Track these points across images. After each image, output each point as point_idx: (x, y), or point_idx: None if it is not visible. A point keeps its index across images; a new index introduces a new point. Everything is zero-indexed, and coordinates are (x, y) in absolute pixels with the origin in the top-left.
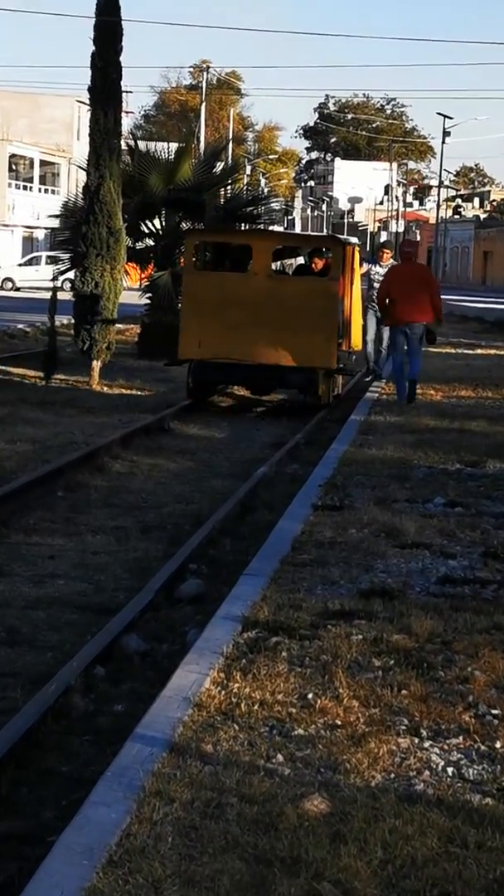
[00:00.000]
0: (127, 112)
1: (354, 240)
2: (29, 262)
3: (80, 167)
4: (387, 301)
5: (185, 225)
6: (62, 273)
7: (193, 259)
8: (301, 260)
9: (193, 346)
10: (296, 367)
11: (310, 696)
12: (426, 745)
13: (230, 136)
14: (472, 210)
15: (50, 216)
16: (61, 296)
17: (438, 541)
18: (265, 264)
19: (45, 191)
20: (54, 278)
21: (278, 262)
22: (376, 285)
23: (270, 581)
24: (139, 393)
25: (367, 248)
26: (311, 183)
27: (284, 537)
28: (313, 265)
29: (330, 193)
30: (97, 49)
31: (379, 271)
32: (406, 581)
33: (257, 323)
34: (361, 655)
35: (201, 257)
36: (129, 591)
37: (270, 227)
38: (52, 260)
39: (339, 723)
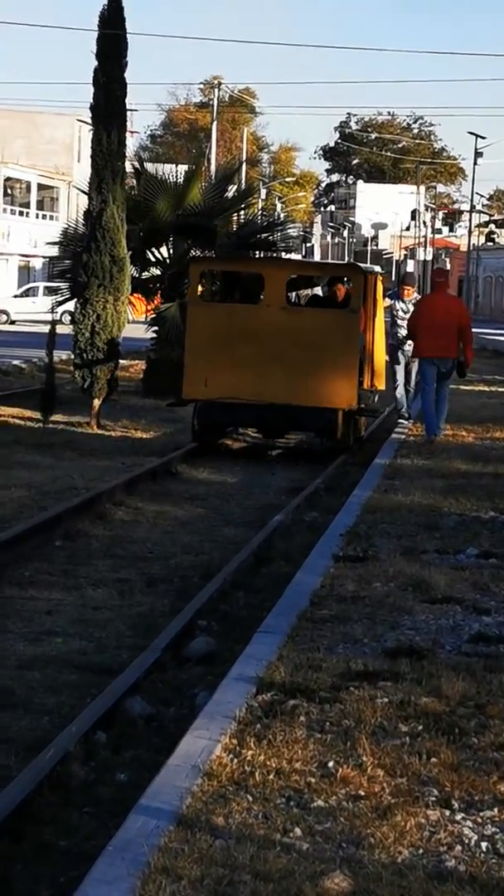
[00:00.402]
0: (132, 132)
1: (377, 268)
2: (25, 294)
3: (81, 191)
4: (416, 334)
5: (194, 253)
6: (60, 304)
7: (199, 289)
8: (318, 290)
9: (199, 384)
10: (312, 408)
11: (330, 764)
12: (458, 817)
13: (243, 158)
14: None
15: (48, 243)
16: (60, 329)
17: (471, 595)
18: (278, 295)
19: (43, 216)
20: (52, 310)
21: (293, 293)
22: (399, 322)
23: (287, 639)
24: (144, 434)
25: (393, 278)
26: (332, 208)
27: (303, 591)
28: (336, 293)
29: (352, 219)
30: (100, 64)
31: (402, 307)
32: (436, 639)
33: (270, 359)
34: (387, 720)
35: (208, 287)
36: (132, 650)
37: (287, 255)
38: (51, 291)
39: (363, 793)
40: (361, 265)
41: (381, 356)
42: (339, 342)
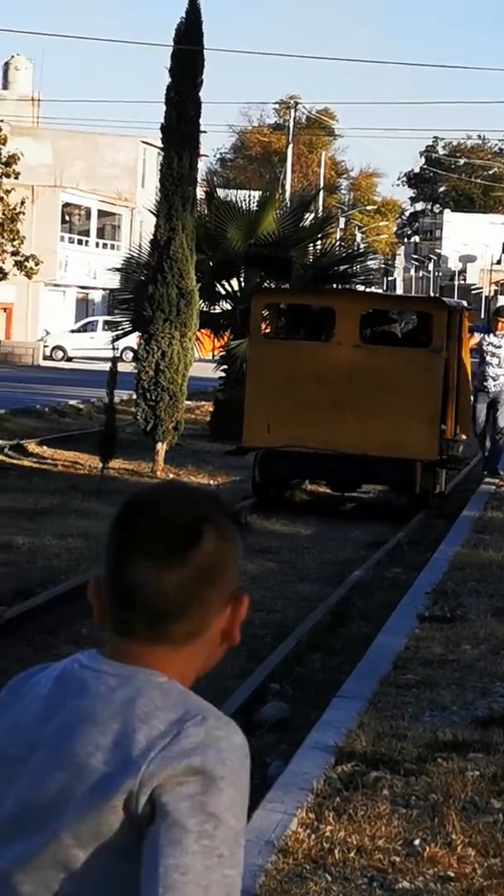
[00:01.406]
0: (201, 155)
1: (463, 303)
2: (83, 329)
3: (151, 211)
4: None
5: (269, 286)
6: (120, 338)
7: (263, 325)
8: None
9: (261, 431)
10: (388, 459)
11: (416, 842)
12: None
13: (321, 184)
14: None
15: (110, 269)
16: (122, 367)
17: None
18: (351, 331)
19: (104, 245)
20: (112, 344)
21: (367, 330)
22: (491, 360)
23: (368, 705)
24: (211, 481)
25: (483, 315)
26: (416, 238)
27: (385, 653)
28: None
29: (438, 251)
30: (174, 81)
31: (493, 342)
32: None
33: (340, 403)
34: (478, 795)
35: (273, 323)
36: None
37: (367, 289)
38: (111, 326)
39: (452, 874)
40: (445, 299)
41: (466, 401)
42: (419, 385)
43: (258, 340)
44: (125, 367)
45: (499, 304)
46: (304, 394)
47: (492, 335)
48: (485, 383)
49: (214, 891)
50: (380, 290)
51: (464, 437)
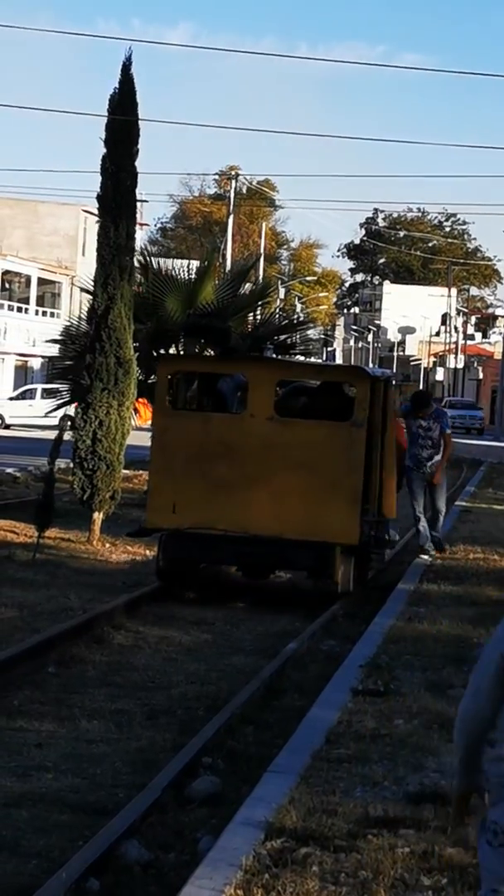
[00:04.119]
0: (141, 224)
1: (388, 372)
2: (21, 396)
3: (82, 290)
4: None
5: (176, 353)
6: (59, 408)
7: (167, 396)
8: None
9: (166, 510)
10: (305, 542)
11: None
12: None
13: (261, 253)
14: None
15: (48, 341)
16: (54, 435)
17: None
18: (265, 402)
19: (44, 313)
20: (48, 414)
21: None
22: (423, 442)
23: (300, 780)
24: (148, 551)
25: (421, 387)
26: (356, 309)
27: (317, 727)
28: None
29: (377, 322)
30: (108, 151)
31: (423, 424)
32: None
33: (253, 481)
34: (408, 872)
35: (181, 393)
36: (130, 789)
37: (307, 359)
38: (49, 393)
39: None
40: (367, 368)
41: (391, 478)
42: (340, 462)
43: (163, 412)
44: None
45: (413, 392)
46: (214, 470)
47: (419, 419)
48: (420, 465)
49: None
50: (320, 360)
51: (391, 517)
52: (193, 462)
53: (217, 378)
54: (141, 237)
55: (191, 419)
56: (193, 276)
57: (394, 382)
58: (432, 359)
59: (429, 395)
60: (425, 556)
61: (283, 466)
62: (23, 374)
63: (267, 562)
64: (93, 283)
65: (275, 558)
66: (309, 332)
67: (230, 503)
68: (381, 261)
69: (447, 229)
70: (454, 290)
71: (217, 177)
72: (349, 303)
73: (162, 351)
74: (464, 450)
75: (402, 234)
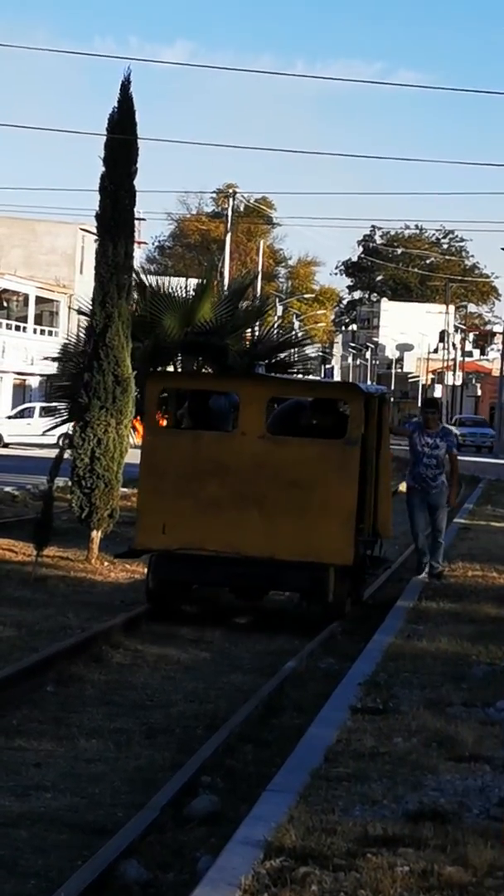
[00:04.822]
0: (139, 242)
1: (383, 388)
2: (20, 415)
3: (79, 311)
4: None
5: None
6: (57, 427)
7: (157, 414)
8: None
9: (155, 531)
10: (298, 563)
11: None
12: None
13: (259, 271)
14: None
15: (46, 358)
16: (54, 454)
17: (501, 753)
18: (257, 420)
19: (42, 332)
20: (45, 433)
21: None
22: (428, 461)
23: (299, 799)
24: (146, 570)
25: (419, 404)
26: (354, 327)
27: (316, 746)
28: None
29: (375, 339)
30: (107, 170)
31: (429, 442)
32: (462, 802)
33: (245, 501)
34: (407, 891)
35: (171, 411)
36: (128, 808)
37: (306, 376)
38: (47, 412)
39: None
40: (361, 385)
41: (386, 496)
42: (333, 481)
43: (152, 430)
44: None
45: (427, 396)
46: (205, 490)
47: (425, 435)
48: (424, 484)
49: None
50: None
51: (387, 536)
52: (183, 481)
53: (208, 396)
54: (139, 255)
55: (180, 437)
56: (191, 294)
57: (390, 399)
58: (430, 376)
59: (437, 401)
60: (428, 575)
61: (275, 485)
62: (21, 392)
63: (259, 583)
64: (91, 302)
65: (267, 580)
66: (306, 349)
67: (221, 523)
68: (379, 278)
69: (445, 246)
70: (452, 307)
71: (215, 195)
72: (347, 320)
73: (160, 369)
74: (462, 467)
75: (399, 251)
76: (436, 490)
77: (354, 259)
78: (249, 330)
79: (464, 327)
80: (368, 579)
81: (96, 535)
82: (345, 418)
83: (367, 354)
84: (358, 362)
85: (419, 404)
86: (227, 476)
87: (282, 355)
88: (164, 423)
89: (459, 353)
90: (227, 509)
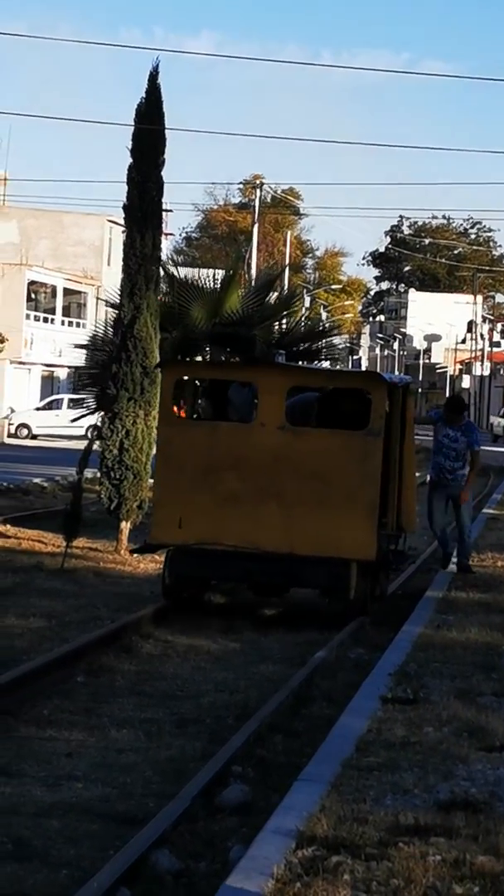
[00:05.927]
0: (166, 234)
1: (408, 378)
2: (48, 406)
3: (107, 303)
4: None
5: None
6: (83, 417)
7: (174, 404)
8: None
9: (171, 525)
10: (318, 559)
11: None
12: None
13: (286, 263)
14: None
15: (76, 346)
16: (83, 445)
17: None
18: (276, 411)
19: (69, 323)
20: (73, 421)
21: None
22: (448, 452)
23: (330, 788)
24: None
25: (447, 394)
26: (381, 317)
27: (347, 736)
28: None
29: (403, 330)
30: (135, 161)
31: (450, 434)
32: (493, 791)
33: (264, 494)
34: (440, 880)
35: (187, 401)
36: (160, 798)
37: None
38: (76, 403)
39: None
40: (384, 374)
41: (411, 489)
42: (355, 473)
43: (169, 421)
44: (82, 444)
45: (454, 394)
46: (222, 482)
47: (447, 427)
48: (442, 476)
49: None
50: (347, 368)
51: (410, 530)
52: (200, 473)
53: (226, 386)
54: (166, 247)
55: (197, 428)
56: (218, 285)
57: (416, 390)
58: (458, 366)
59: (464, 403)
60: (457, 569)
61: (295, 478)
62: (49, 384)
63: (278, 579)
64: (119, 293)
65: (286, 576)
66: (334, 339)
67: (239, 517)
68: (407, 268)
69: (472, 236)
70: (480, 297)
71: (241, 186)
72: (375, 311)
73: (187, 360)
74: (490, 457)
75: (427, 241)
76: (455, 483)
77: (382, 249)
78: (277, 321)
79: (492, 317)
80: (392, 575)
81: (125, 526)
82: (367, 408)
83: (395, 345)
84: (385, 353)
85: (447, 394)
86: (246, 468)
87: (309, 345)
88: (182, 413)
89: (487, 343)
90: (245, 503)
